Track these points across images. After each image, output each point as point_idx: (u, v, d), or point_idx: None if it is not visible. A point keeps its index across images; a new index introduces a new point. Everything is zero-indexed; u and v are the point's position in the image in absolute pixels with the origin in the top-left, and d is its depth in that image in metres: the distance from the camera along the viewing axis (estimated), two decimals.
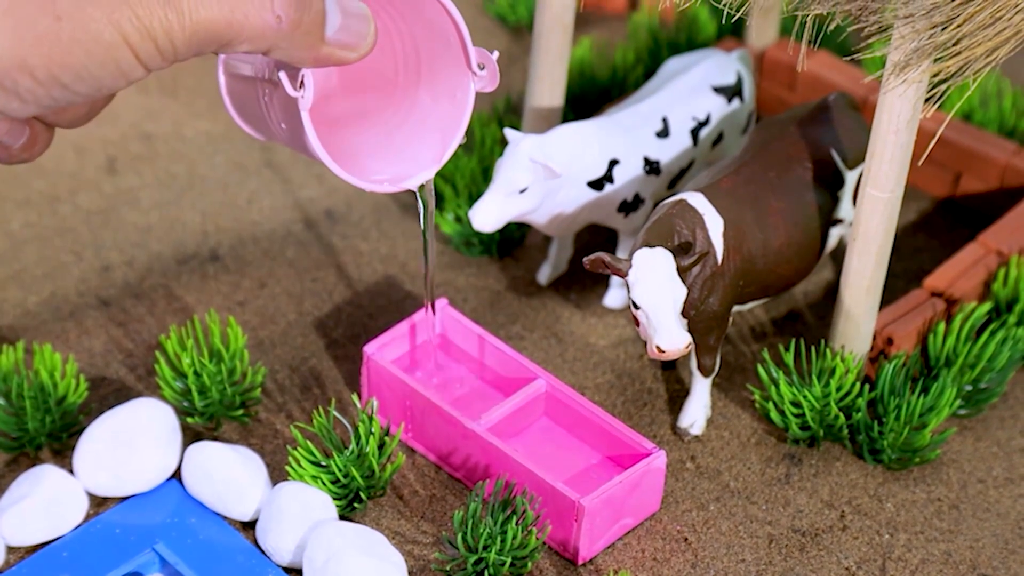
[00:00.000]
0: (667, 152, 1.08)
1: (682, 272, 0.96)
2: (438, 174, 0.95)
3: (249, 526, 0.99)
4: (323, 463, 0.99)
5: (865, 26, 0.90)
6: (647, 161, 1.08)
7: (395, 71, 0.95)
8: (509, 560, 0.94)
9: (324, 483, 0.98)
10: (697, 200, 0.99)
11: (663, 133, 1.08)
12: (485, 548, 0.94)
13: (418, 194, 0.95)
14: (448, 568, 0.96)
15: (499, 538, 0.93)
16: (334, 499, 0.98)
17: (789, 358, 1.03)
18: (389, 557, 0.94)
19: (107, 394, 1.06)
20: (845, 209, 1.06)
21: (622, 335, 1.10)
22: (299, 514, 0.96)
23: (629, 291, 0.96)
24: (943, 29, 0.89)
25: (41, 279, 1.14)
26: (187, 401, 1.03)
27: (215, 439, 1.03)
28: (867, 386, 1.03)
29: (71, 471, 1.00)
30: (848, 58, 1.04)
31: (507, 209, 1.03)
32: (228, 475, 0.98)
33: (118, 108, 1.26)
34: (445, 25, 0.90)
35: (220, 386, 1.02)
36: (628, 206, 1.08)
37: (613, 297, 1.12)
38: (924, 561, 0.98)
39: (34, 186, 1.21)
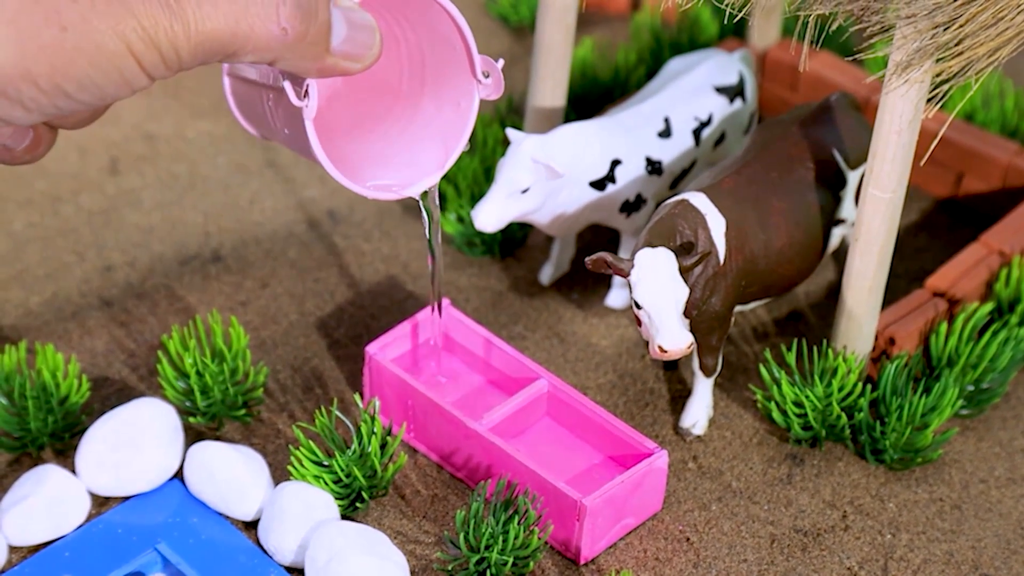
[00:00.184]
0: (669, 152, 1.08)
1: (684, 272, 0.96)
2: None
3: (251, 526, 0.99)
4: (325, 463, 0.99)
5: (867, 26, 0.90)
6: (649, 161, 1.08)
7: (400, 79, 0.95)
8: (511, 560, 0.94)
9: (326, 483, 0.98)
10: (699, 200, 0.99)
11: (665, 133, 1.08)
12: (487, 548, 0.94)
13: (421, 203, 0.95)
14: (450, 568, 0.96)
15: (501, 538, 0.93)
16: (336, 499, 0.98)
17: (791, 358, 1.03)
18: (391, 557, 0.94)
19: (109, 394, 1.06)
20: (847, 209, 1.06)
21: (624, 335, 1.10)
22: (301, 514, 0.96)
23: (631, 291, 0.96)
24: (945, 29, 0.89)
25: (43, 279, 1.14)
26: (189, 401, 1.03)
27: (217, 439, 1.03)
28: (869, 386, 1.03)
29: (73, 471, 1.01)
30: (850, 58, 1.04)
31: (509, 209, 1.03)
32: (230, 475, 0.98)
33: (120, 109, 1.26)
34: (450, 33, 0.90)
35: (222, 386, 1.02)
36: (630, 206, 1.08)
37: (615, 297, 1.12)
38: (926, 561, 0.98)
39: (36, 186, 1.21)
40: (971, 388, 1.05)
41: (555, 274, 1.14)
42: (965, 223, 1.19)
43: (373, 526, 0.99)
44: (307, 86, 0.84)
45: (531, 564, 0.96)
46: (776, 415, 1.03)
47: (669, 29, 1.30)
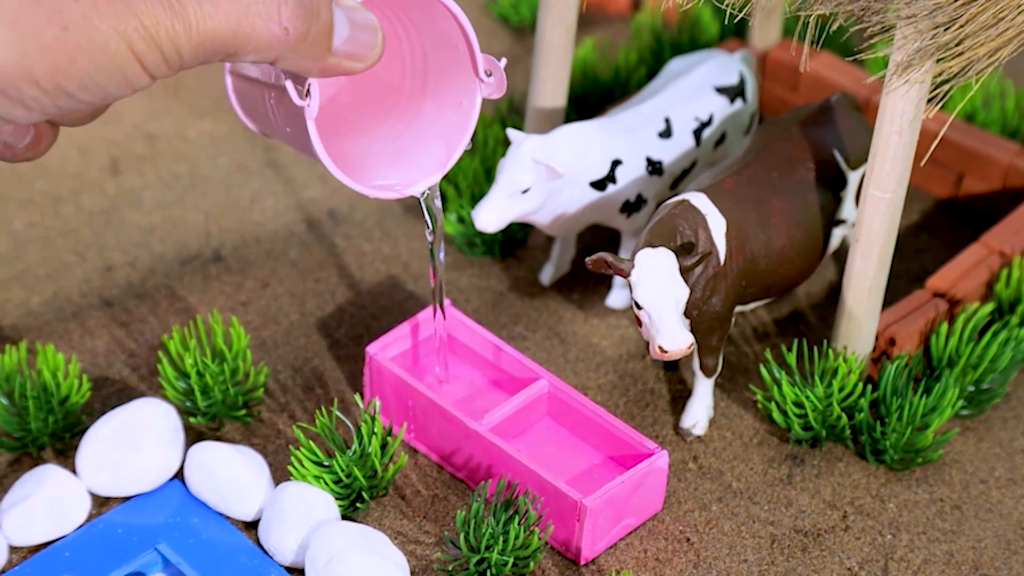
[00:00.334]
0: (670, 152, 1.08)
1: (684, 272, 0.96)
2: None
3: (251, 526, 0.99)
4: (325, 463, 0.99)
5: (868, 26, 0.90)
6: (650, 161, 1.08)
7: (402, 78, 0.95)
8: (511, 560, 0.94)
9: (326, 483, 0.98)
10: (700, 200, 0.99)
11: (666, 133, 1.08)
12: (487, 548, 0.94)
13: (423, 202, 0.95)
14: (450, 568, 0.96)
15: (501, 538, 0.93)
16: (336, 499, 0.98)
17: (791, 358, 1.03)
18: (391, 557, 0.94)
19: (110, 394, 1.06)
20: (847, 210, 1.06)
21: (624, 335, 1.10)
22: (302, 514, 0.96)
23: (631, 291, 0.96)
24: (946, 29, 0.89)
25: (44, 279, 1.14)
26: (190, 401, 1.03)
27: (218, 439, 1.03)
28: (869, 387, 1.03)
29: (74, 471, 1.01)
30: (851, 59, 1.04)
31: (510, 209, 1.03)
32: (230, 475, 0.98)
33: (121, 109, 1.26)
34: (453, 31, 0.90)
35: (223, 386, 1.02)
36: (631, 206, 1.08)
37: (616, 297, 1.12)
38: (926, 561, 0.98)
39: (37, 186, 1.21)
40: (971, 388, 1.05)
41: (556, 274, 1.14)
42: (965, 224, 1.19)
43: (373, 526, 0.99)
44: (309, 85, 0.84)
45: (531, 564, 0.96)
46: (776, 415, 1.03)
47: (670, 29, 1.30)
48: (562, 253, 1.13)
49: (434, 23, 0.91)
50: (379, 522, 0.99)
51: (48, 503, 0.97)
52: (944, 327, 1.06)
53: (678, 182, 1.10)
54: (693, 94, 1.10)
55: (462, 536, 0.94)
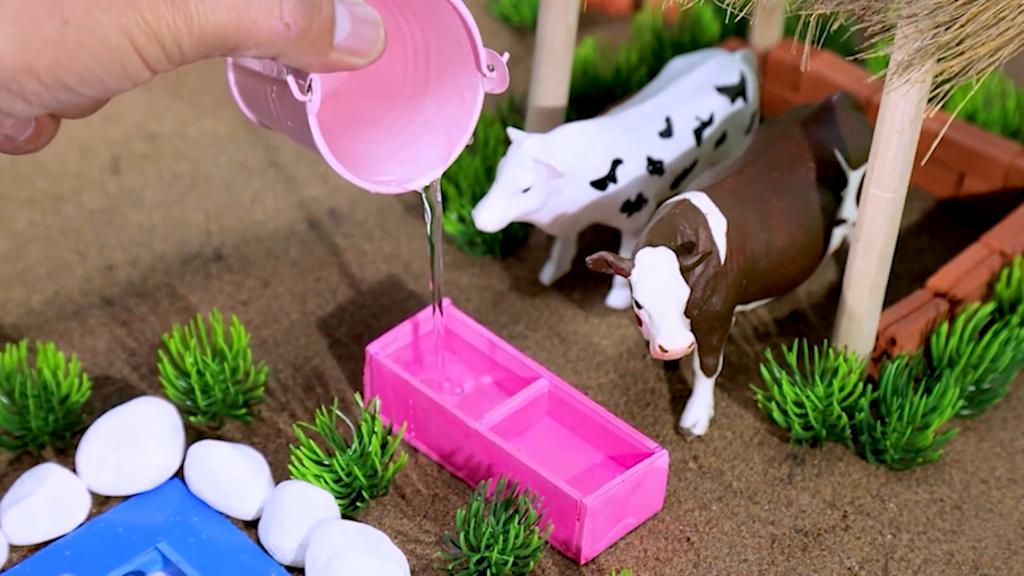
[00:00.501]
0: (670, 152, 1.08)
1: (685, 272, 0.96)
2: (442, 174, 0.95)
3: (252, 525, 0.99)
4: (326, 462, 0.99)
5: (868, 26, 0.90)
6: (650, 161, 1.08)
7: (404, 73, 0.95)
8: (511, 559, 0.94)
9: (327, 482, 0.98)
10: (700, 200, 0.99)
11: (666, 133, 1.08)
12: (487, 547, 0.94)
13: (424, 197, 0.95)
14: (450, 567, 0.96)
15: (501, 537, 0.93)
16: (337, 498, 0.98)
17: (792, 358, 1.03)
18: (391, 556, 0.94)
19: (110, 393, 1.06)
20: (848, 209, 1.06)
21: (625, 335, 1.10)
22: (302, 513, 0.96)
23: (632, 290, 0.96)
24: (946, 29, 0.89)
25: (45, 278, 1.14)
26: (190, 400, 1.03)
27: (218, 438, 1.03)
28: (870, 386, 1.03)
29: (74, 470, 1.01)
30: (851, 58, 1.04)
31: (510, 209, 1.03)
32: (231, 474, 0.98)
33: (122, 108, 1.26)
34: (455, 26, 0.90)
35: (223, 385, 1.02)
36: (631, 206, 1.08)
37: (616, 297, 1.12)
38: (926, 561, 0.98)
39: (38, 185, 1.21)
40: (972, 388, 1.05)
41: (556, 274, 1.14)
42: (966, 223, 1.19)
43: (373, 525, 0.99)
44: (311, 81, 0.84)
45: (531, 564, 0.96)
46: (777, 415, 1.03)
47: (671, 29, 1.30)
48: (563, 252, 1.13)
49: (436, 17, 0.91)
50: (379, 521, 0.99)
51: (48, 502, 0.97)
52: (945, 327, 1.06)
53: (679, 181, 1.10)
54: (694, 93, 1.10)
55: (462, 535, 0.94)
